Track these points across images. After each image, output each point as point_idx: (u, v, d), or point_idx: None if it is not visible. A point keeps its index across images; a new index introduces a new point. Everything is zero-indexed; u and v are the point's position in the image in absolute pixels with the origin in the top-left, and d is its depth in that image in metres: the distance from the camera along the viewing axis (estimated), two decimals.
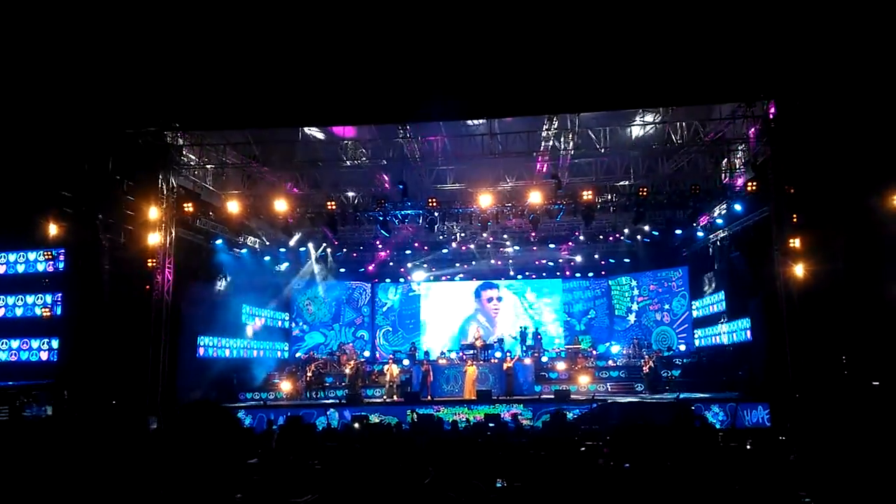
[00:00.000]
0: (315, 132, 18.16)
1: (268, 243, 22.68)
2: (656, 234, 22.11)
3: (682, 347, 24.01)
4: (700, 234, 21.74)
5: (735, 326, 20.31)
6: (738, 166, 17.98)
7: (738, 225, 19.32)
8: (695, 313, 24.05)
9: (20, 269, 19.13)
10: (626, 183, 19.69)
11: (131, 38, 15.07)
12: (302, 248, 23.49)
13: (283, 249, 23.40)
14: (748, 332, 18.92)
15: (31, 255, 18.89)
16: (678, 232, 21.70)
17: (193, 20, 14.48)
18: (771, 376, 16.04)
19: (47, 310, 18.44)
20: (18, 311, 18.90)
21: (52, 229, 17.35)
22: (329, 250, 24.86)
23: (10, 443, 8.21)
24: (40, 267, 18.55)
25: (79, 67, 15.68)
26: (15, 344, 18.63)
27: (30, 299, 18.82)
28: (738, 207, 18.42)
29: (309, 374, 20.95)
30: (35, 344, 18.54)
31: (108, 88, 15.69)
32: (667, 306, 25.18)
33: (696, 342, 23.69)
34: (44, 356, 18.44)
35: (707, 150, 18.02)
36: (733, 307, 20.48)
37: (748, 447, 7.61)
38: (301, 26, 14.59)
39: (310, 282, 26.08)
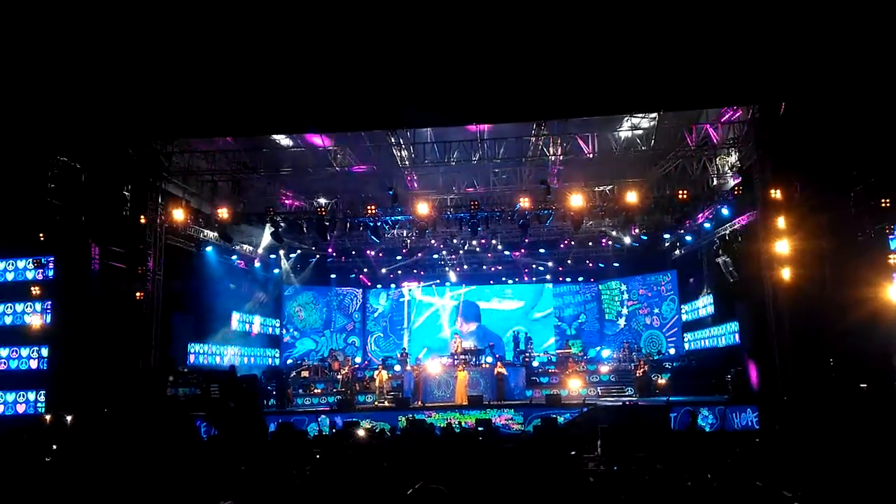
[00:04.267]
0: (283, 139, 18.09)
1: (259, 250, 22.68)
2: (644, 238, 22.28)
3: (672, 351, 24.16)
4: (688, 238, 21.92)
5: (724, 330, 20.47)
6: (724, 170, 18.16)
7: (725, 229, 19.50)
8: (684, 317, 24.21)
9: (9, 276, 18.99)
10: (614, 188, 19.84)
11: (119, 48, 15.09)
12: (273, 256, 23.56)
13: (273, 256, 23.49)
14: (736, 336, 19.07)
15: (21, 263, 18.75)
16: (666, 236, 21.88)
17: (179, 31, 14.52)
18: (760, 379, 16.20)
19: (37, 318, 18.35)
20: (7, 320, 18.76)
21: (41, 237, 17.27)
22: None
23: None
24: (29, 275, 18.41)
25: (68, 77, 15.67)
26: (4, 353, 18.51)
27: (19, 307, 18.69)
28: (725, 211, 18.61)
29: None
30: (25, 352, 18.42)
31: (97, 97, 15.68)
32: (656, 310, 25.34)
33: (686, 346, 23.84)
34: (34, 364, 18.31)
35: (694, 154, 18.19)
36: (722, 310, 20.64)
37: (736, 450, 7.71)
38: (284, 36, 14.65)
39: (300, 288, 26.10)
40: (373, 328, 27.62)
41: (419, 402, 19.10)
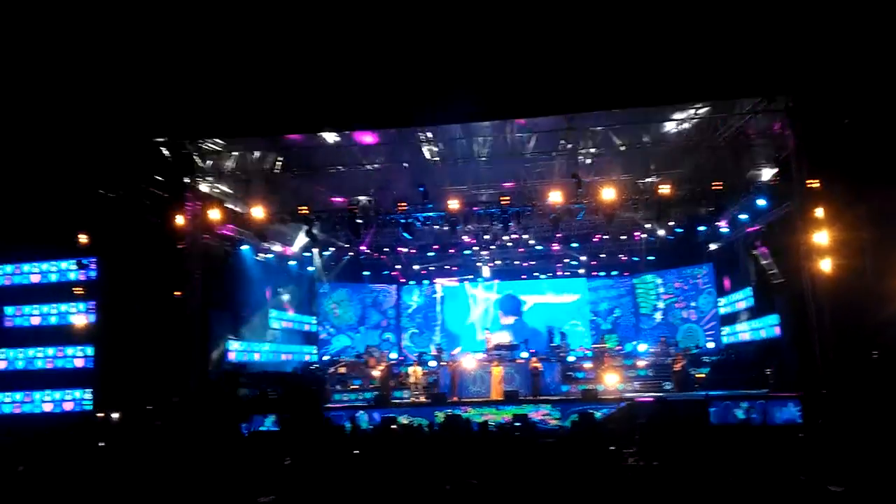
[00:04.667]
0: (330, 136, 18.22)
1: (294, 249, 22.94)
2: (680, 231, 22.00)
3: (711, 345, 23.85)
4: (724, 230, 21.57)
5: (763, 322, 20.14)
6: (760, 161, 17.83)
7: (762, 220, 19.17)
8: (722, 310, 23.87)
9: (53, 278, 19.57)
10: (648, 180, 19.60)
11: (155, 50, 15.40)
12: (307, 254, 23.75)
13: (307, 254, 23.73)
14: (777, 329, 18.75)
15: (64, 265, 19.29)
16: (701, 228, 21.56)
17: (212, 33, 14.78)
18: (801, 372, 15.90)
19: (81, 318, 18.85)
20: (53, 320, 19.34)
21: (84, 239, 17.72)
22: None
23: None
24: (73, 276, 18.92)
25: (105, 79, 16.06)
26: (51, 352, 19.07)
27: (63, 308, 19.24)
28: (761, 203, 18.27)
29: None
30: (70, 351, 18.96)
31: (134, 99, 16.05)
32: (693, 304, 25.03)
33: (724, 339, 23.51)
34: (79, 363, 18.85)
35: (728, 145, 17.89)
36: (761, 303, 20.31)
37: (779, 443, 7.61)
38: (316, 32, 14.80)
39: (335, 285, 26.36)
40: (407, 324, 27.76)
41: (455, 398, 19.15)
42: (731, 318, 23.12)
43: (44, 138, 17.13)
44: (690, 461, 5.63)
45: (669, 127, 17.47)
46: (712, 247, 24.00)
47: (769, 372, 17.51)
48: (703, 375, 20.38)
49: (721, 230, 21.55)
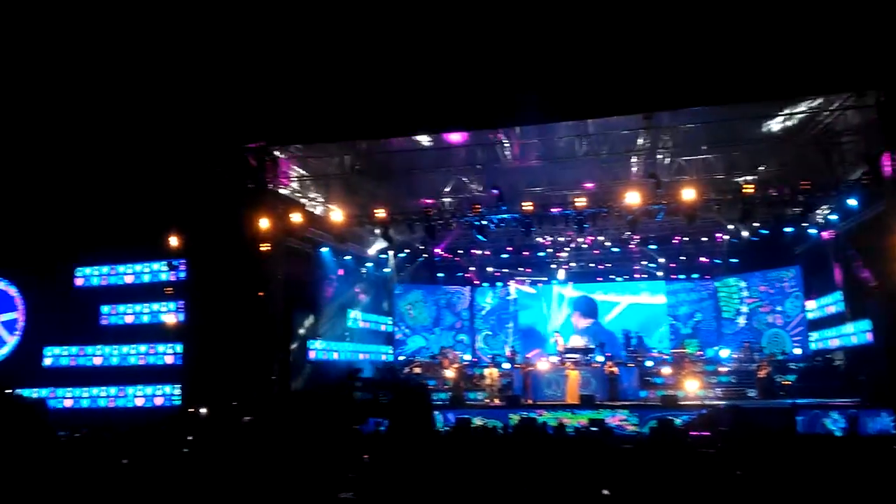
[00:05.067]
0: (423, 139, 18.46)
1: (371, 252, 23.42)
2: (765, 232, 21.20)
3: (798, 351, 22.87)
4: (812, 231, 20.66)
5: (855, 328, 19.19)
6: (850, 159, 17.00)
7: (853, 221, 18.24)
8: (810, 315, 22.87)
9: (146, 278, 20.62)
10: (730, 179, 19.01)
11: (241, 59, 16.05)
12: (383, 255, 24.10)
13: (383, 255, 24.15)
14: (869, 335, 17.84)
15: (155, 266, 20.29)
16: (788, 230, 20.70)
17: (294, 42, 15.28)
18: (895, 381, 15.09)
19: (171, 316, 19.79)
20: (145, 319, 20.38)
21: (174, 241, 18.60)
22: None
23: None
24: (164, 277, 19.88)
25: (194, 89, 16.85)
26: (143, 349, 20.11)
27: (155, 307, 20.25)
28: (852, 202, 17.39)
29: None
30: (161, 349, 19.94)
31: (221, 107, 16.78)
32: (779, 308, 24.06)
33: (812, 345, 22.51)
34: (169, 360, 19.80)
35: (816, 142, 17.14)
36: (852, 308, 19.35)
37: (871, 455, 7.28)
38: (394, 37, 15.07)
39: (409, 287, 26.73)
40: (481, 326, 27.84)
41: (529, 401, 19.10)
42: (819, 324, 22.12)
43: (137, 148, 18.12)
44: (776, 472, 5.46)
45: (754, 125, 16.89)
46: (799, 249, 23.01)
47: (862, 380, 16.68)
48: (789, 383, 19.59)
49: (809, 231, 20.64)
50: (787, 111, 16.55)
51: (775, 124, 16.94)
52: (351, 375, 18.51)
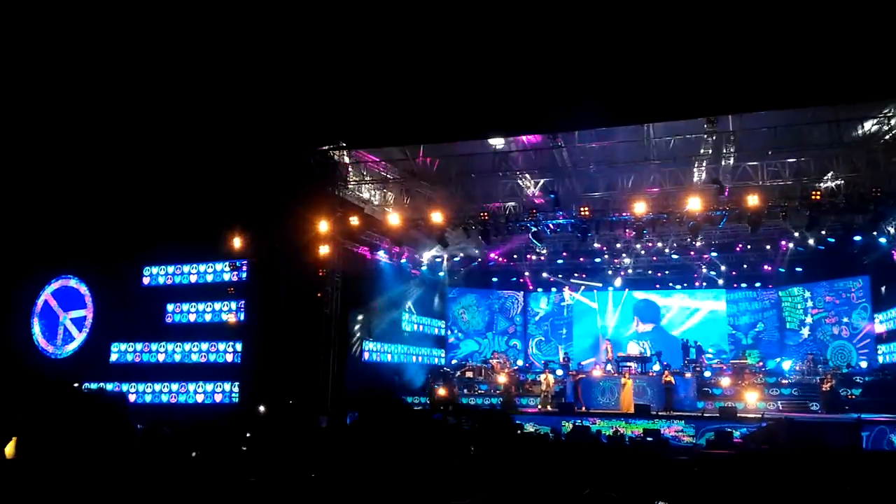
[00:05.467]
0: (497, 142, 18.48)
1: (426, 255, 23.58)
2: (832, 241, 20.46)
3: (864, 364, 21.99)
4: (882, 240, 19.83)
5: None
6: None
7: None
8: (879, 327, 21.95)
9: (209, 278, 21.25)
10: (796, 185, 18.41)
11: (304, 66, 16.40)
12: (438, 259, 24.18)
13: (438, 259, 24.28)
14: None
15: (218, 266, 20.90)
16: (857, 238, 19.92)
17: (353, 48, 15.53)
18: None
19: (232, 316, 20.34)
20: (207, 317, 21.00)
21: (237, 243, 19.11)
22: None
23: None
24: (226, 277, 20.45)
25: (257, 96, 17.30)
26: (205, 346, 20.71)
27: (217, 306, 20.84)
28: None
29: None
30: (221, 347, 20.50)
31: (283, 113, 17.18)
32: (845, 319, 23.17)
33: (880, 359, 21.60)
34: (229, 358, 20.34)
35: (888, 149, 16.45)
36: None
37: None
38: (453, 44, 15.16)
39: (463, 290, 26.78)
40: (534, 332, 27.68)
41: (583, 408, 18.90)
42: (888, 337, 21.21)
43: (205, 151, 18.69)
44: (840, 489, 5.28)
45: (824, 129, 16.33)
46: (868, 259, 22.11)
47: None
48: (854, 397, 18.85)
49: (879, 240, 19.81)
50: (859, 115, 15.96)
51: (846, 130, 16.33)
52: (446, 404, 18.59)
